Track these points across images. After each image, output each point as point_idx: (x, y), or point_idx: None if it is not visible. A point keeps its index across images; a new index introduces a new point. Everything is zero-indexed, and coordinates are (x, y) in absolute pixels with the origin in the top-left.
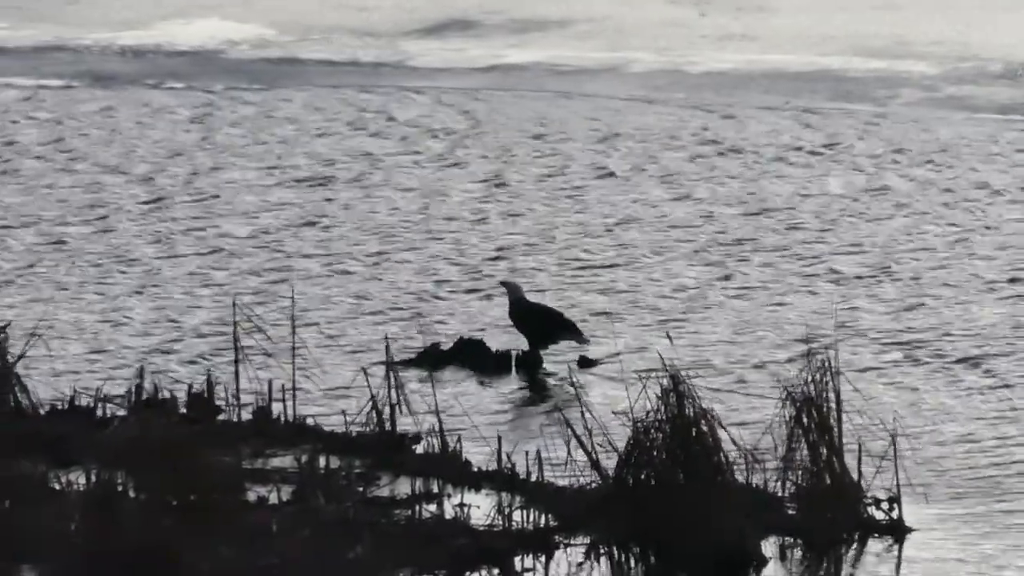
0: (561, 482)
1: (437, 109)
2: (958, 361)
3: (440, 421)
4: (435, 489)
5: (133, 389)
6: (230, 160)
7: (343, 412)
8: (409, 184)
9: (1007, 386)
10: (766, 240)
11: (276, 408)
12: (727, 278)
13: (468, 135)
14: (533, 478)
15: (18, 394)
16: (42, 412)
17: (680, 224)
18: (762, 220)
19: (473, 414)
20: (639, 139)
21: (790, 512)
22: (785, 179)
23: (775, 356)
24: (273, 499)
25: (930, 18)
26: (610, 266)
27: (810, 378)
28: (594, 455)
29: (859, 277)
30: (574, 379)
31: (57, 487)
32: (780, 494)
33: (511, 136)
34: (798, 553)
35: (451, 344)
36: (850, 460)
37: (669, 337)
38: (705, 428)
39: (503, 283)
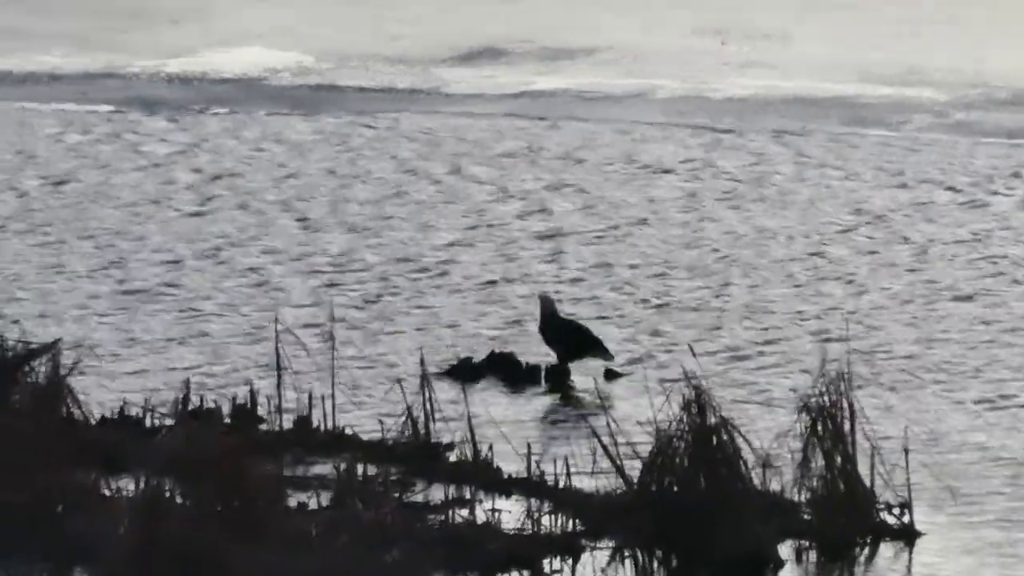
0: (588, 488)
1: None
2: (970, 373)
3: (472, 430)
4: (468, 495)
5: (180, 400)
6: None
7: (380, 422)
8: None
9: (1014, 397)
10: None
11: (316, 418)
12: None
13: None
14: (561, 484)
15: (70, 405)
16: (93, 422)
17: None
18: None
19: (504, 424)
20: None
21: (806, 517)
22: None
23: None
24: (313, 505)
25: (940, 47)
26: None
27: (825, 389)
28: (619, 462)
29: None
30: (600, 390)
31: (108, 493)
32: (796, 500)
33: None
34: (813, 556)
35: (483, 357)
36: (863, 468)
37: (692, 350)
38: (725, 437)
39: (540, 297)
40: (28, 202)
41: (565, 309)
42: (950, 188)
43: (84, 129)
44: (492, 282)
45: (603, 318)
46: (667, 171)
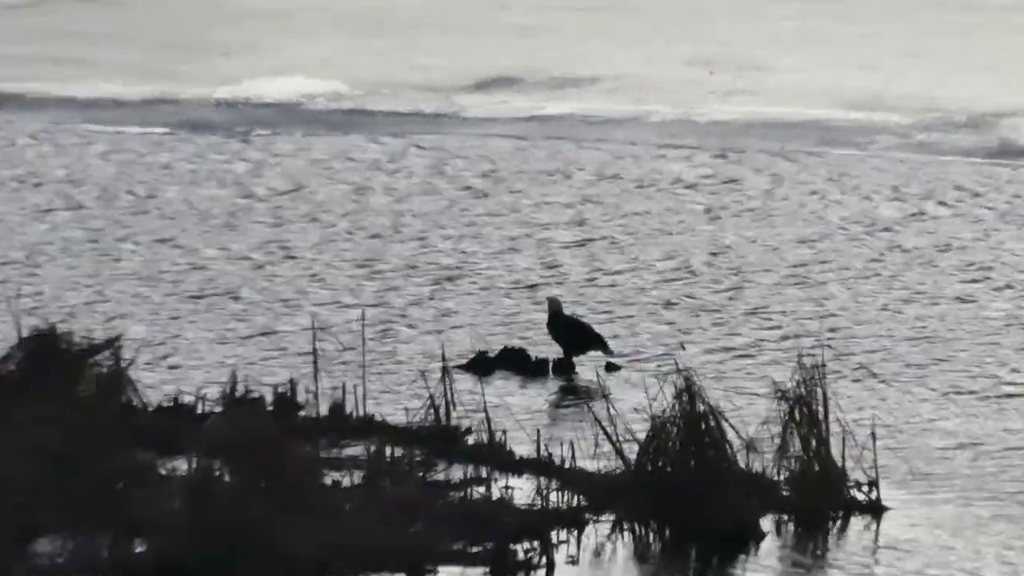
0: (591, 468)
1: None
2: (930, 362)
3: (488, 417)
4: (484, 475)
5: (228, 389)
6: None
7: (406, 409)
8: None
9: (969, 389)
10: None
11: (349, 406)
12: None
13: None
14: (567, 465)
15: (130, 393)
16: (151, 409)
17: None
18: None
19: (516, 411)
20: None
21: (784, 494)
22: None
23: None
24: (346, 483)
25: (904, 76)
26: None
27: (801, 379)
28: (619, 446)
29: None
30: (601, 381)
31: (164, 473)
32: (776, 478)
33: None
34: (791, 528)
35: (497, 352)
36: (836, 450)
37: (682, 346)
38: (713, 423)
39: (548, 298)
40: (116, 215)
41: (598, 309)
42: (938, 201)
43: (163, 150)
44: (533, 286)
45: (630, 316)
46: (689, 186)
